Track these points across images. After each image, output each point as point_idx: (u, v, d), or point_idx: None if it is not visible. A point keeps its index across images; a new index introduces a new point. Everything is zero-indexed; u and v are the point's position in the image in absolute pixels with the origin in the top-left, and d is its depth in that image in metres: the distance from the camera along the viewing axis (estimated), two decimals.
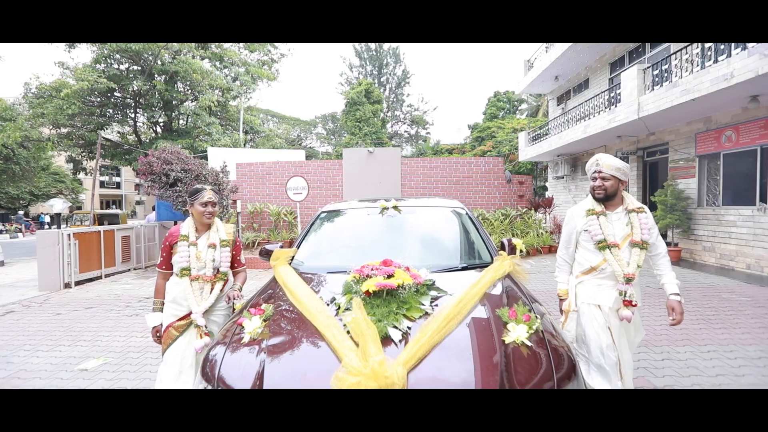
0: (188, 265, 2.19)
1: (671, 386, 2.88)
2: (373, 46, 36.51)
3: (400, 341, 1.50)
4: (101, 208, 38.31)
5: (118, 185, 44.71)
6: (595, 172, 2.18)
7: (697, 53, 6.93)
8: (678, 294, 2.08)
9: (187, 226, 2.28)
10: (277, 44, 17.86)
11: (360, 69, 37.28)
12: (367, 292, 1.75)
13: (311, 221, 3.10)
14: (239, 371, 1.49)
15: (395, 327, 1.56)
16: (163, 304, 2.27)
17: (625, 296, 2.07)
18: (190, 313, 2.18)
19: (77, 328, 4.75)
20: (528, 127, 20.86)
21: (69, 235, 7.18)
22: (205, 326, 2.17)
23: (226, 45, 16.05)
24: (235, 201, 10.62)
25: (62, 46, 14.64)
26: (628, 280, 2.06)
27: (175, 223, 9.96)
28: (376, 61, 37.07)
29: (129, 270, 8.86)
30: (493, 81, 72.58)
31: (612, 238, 2.14)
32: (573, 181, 14.04)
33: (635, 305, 2.07)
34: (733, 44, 6.16)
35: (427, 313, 1.68)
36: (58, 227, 10.31)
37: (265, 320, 1.74)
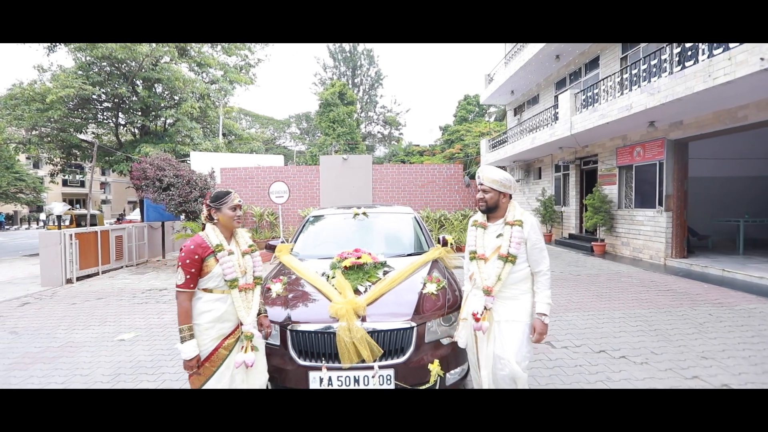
0: (237, 276, 2.08)
1: (553, 336, 4.22)
2: (347, 47, 37.10)
3: (364, 292, 2.70)
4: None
5: (82, 184, 43.43)
6: (479, 184, 2.20)
7: (611, 85, 8.54)
8: (545, 315, 2.10)
9: (214, 235, 2.09)
10: (254, 49, 18.53)
11: (334, 70, 37.81)
12: (345, 267, 2.93)
13: (302, 223, 4.26)
14: (275, 311, 2.63)
15: (361, 285, 2.76)
16: (192, 329, 2.01)
17: (484, 309, 2.13)
18: (237, 327, 2.10)
19: (99, 313, 5.65)
20: (493, 131, 22.61)
21: (71, 235, 7.91)
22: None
23: (205, 48, 16.63)
24: None
25: (37, 46, 14.82)
26: (486, 293, 2.13)
27: (170, 228, 10.69)
28: (350, 63, 37.65)
29: (122, 267, 9.61)
30: (465, 83, 75.24)
31: (482, 250, 2.21)
32: (527, 185, 15.73)
33: (478, 319, 2.13)
34: (633, 81, 7.77)
35: (380, 279, 2.88)
36: (59, 228, 10.85)
37: (283, 285, 2.89)
